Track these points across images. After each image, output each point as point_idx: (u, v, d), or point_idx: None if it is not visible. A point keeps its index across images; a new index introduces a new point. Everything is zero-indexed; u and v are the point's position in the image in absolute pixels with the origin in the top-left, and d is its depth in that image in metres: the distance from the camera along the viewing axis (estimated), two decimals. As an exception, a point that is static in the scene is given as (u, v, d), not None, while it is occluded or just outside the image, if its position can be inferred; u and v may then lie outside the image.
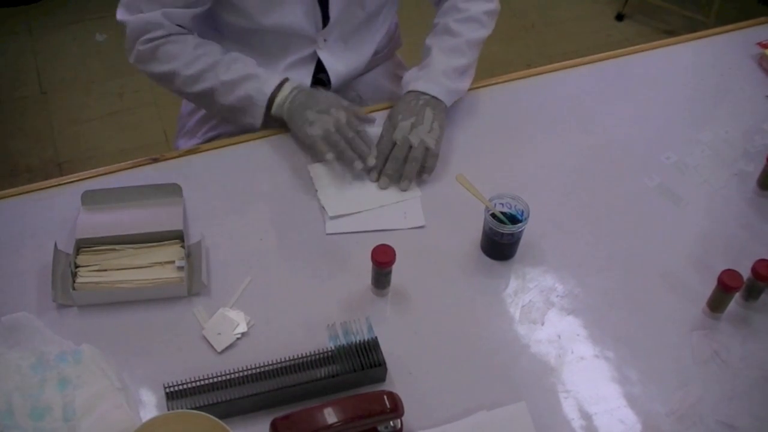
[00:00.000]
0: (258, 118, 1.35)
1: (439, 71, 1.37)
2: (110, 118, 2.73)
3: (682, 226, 1.29)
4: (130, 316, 1.14)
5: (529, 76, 1.53)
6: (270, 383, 1.04)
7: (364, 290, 1.18)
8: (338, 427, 0.94)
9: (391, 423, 1.01)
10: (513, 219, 1.20)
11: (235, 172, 1.33)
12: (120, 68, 2.84)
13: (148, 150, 2.50)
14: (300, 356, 1.07)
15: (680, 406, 1.07)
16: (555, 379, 1.10)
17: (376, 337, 1.09)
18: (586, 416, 1.06)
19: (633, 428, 1.05)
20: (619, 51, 1.58)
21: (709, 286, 1.15)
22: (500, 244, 1.20)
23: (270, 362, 1.06)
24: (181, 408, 1.01)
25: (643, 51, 1.59)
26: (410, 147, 1.31)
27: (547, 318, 1.16)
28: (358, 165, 1.29)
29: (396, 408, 0.97)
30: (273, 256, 1.22)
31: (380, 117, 1.42)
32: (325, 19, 1.40)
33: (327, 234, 1.25)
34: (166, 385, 1.03)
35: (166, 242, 1.20)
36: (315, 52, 1.44)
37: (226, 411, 1.02)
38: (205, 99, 1.37)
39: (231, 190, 1.31)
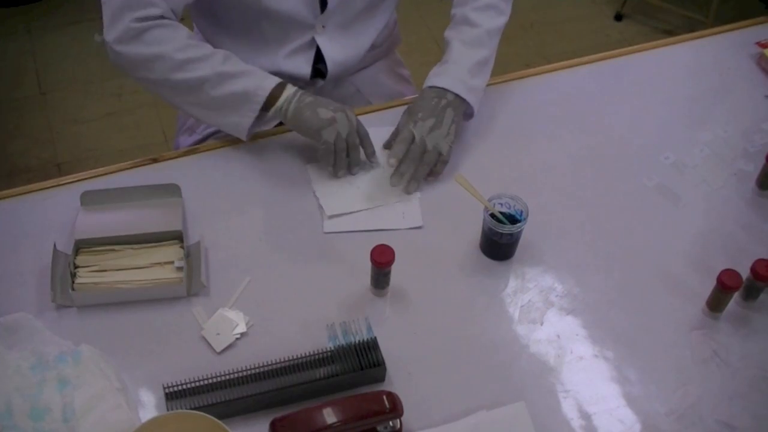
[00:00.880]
0: (249, 117, 1.28)
1: (463, 67, 1.35)
2: (109, 118, 2.73)
3: (681, 226, 1.29)
4: (129, 316, 1.14)
5: (528, 76, 1.53)
6: (269, 383, 1.04)
7: (364, 290, 1.18)
8: (338, 427, 0.94)
9: (391, 423, 1.01)
10: (512, 219, 1.20)
11: (234, 173, 1.33)
12: (119, 68, 2.84)
13: (147, 150, 2.49)
14: (299, 356, 1.07)
15: (679, 405, 1.07)
16: (554, 378, 1.10)
17: (375, 337, 1.09)
18: (586, 416, 1.06)
19: (632, 428, 1.05)
20: (618, 51, 1.58)
21: (709, 286, 1.15)
22: (499, 244, 1.20)
23: (269, 362, 1.06)
24: (181, 408, 1.01)
25: (642, 51, 1.59)
26: (425, 150, 1.30)
27: (546, 318, 1.16)
28: (356, 172, 1.32)
29: (395, 408, 0.97)
30: (272, 256, 1.22)
31: (382, 118, 1.42)
32: (324, 4, 1.39)
33: (324, 233, 1.25)
34: (166, 386, 1.03)
35: (165, 242, 1.20)
36: (314, 40, 1.43)
37: (226, 411, 1.02)
38: (189, 90, 1.28)
39: (230, 191, 1.31)
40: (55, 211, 1.25)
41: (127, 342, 1.11)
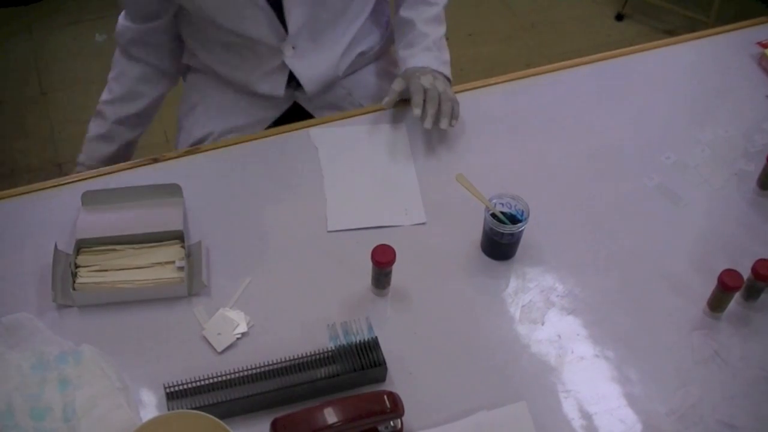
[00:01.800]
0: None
1: (432, 45, 1.43)
2: (110, 118, 2.72)
3: (682, 226, 1.29)
4: (130, 316, 1.14)
5: (529, 76, 1.53)
6: (270, 383, 1.04)
7: (364, 290, 1.18)
8: (338, 427, 0.94)
9: (392, 423, 1.01)
10: (513, 219, 1.20)
11: (235, 172, 1.33)
12: (120, 68, 2.84)
13: (148, 150, 2.48)
14: (300, 356, 1.07)
15: (680, 405, 1.07)
16: (555, 378, 1.10)
17: (376, 337, 1.09)
18: (586, 416, 1.06)
19: (633, 428, 1.05)
20: (619, 51, 1.58)
21: (709, 286, 1.15)
22: (500, 243, 1.20)
23: (270, 362, 1.06)
24: (182, 408, 1.01)
25: (643, 51, 1.59)
26: (438, 92, 1.35)
27: (547, 318, 1.16)
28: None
29: (396, 408, 0.97)
30: (273, 256, 1.22)
31: (381, 118, 1.42)
32: (287, 28, 1.37)
33: (329, 231, 1.25)
34: (167, 385, 1.03)
35: (166, 242, 1.20)
36: (284, 63, 1.42)
37: (227, 411, 1.02)
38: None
39: (231, 190, 1.31)
40: (56, 210, 1.26)
41: (128, 342, 1.11)
